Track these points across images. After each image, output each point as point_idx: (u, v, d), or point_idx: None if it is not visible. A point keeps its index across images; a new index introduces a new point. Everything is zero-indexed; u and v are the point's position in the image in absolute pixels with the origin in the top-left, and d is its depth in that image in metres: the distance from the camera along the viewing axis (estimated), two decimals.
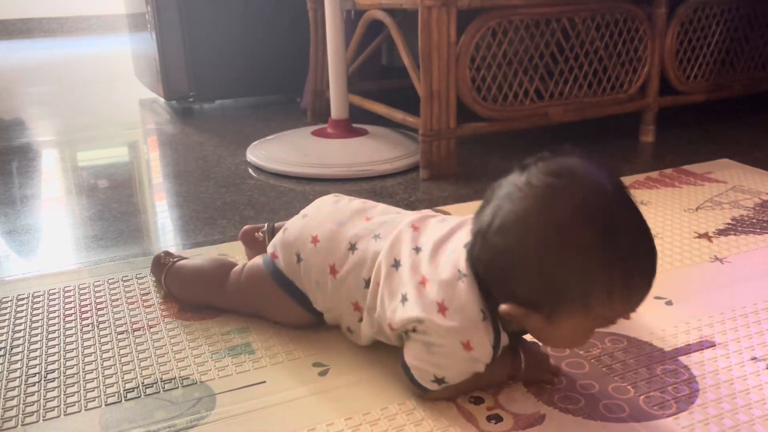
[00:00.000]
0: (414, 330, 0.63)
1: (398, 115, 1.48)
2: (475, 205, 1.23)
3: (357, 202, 0.77)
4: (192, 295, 0.84)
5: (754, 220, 1.09)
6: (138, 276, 0.94)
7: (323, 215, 0.75)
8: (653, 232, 0.58)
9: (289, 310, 0.76)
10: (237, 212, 1.21)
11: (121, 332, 0.79)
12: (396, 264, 0.66)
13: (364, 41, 1.72)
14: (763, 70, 1.72)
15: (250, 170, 1.48)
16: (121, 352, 0.75)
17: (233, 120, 2.03)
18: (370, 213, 0.74)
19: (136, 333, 0.79)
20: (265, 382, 0.69)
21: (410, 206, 1.21)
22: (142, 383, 0.70)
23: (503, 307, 0.58)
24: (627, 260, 0.54)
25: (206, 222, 1.17)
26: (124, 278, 0.93)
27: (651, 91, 1.55)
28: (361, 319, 0.70)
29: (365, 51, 1.78)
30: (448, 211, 1.17)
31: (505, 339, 0.63)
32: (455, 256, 0.63)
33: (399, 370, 0.66)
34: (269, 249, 0.78)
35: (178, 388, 0.69)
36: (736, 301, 0.83)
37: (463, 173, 1.40)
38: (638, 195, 1.21)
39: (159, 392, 0.68)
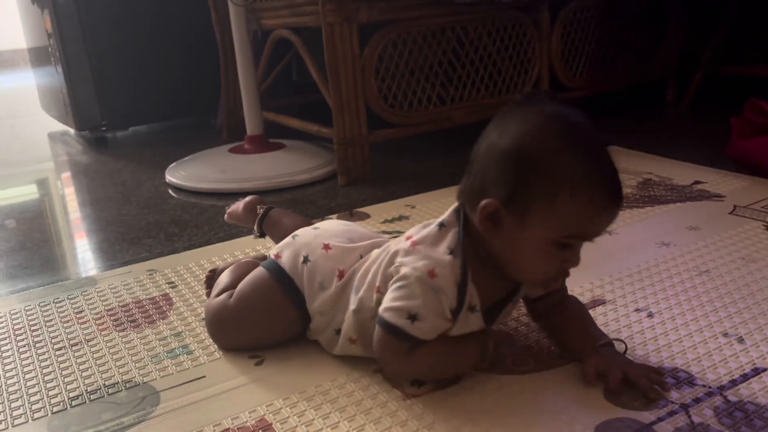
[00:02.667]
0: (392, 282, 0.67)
1: (313, 128, 1.55)
2: (392, 204, 1.30)
3: (367, 230, 0.83)
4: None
5: (637, 196, 1.22)
6: (70, 297, 0.96)
7: (336, 230, 0.79)
8: None
9: (280, 312, 0.76)
10: (161, 230, 1.25)
11: (59, 348, 0.82)
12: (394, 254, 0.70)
13: (274, 59, 1.79)
14: (641, 65, 1.89)
15: (170, 191, 1.51)
16: (62, 365, 0.78)
17: (149, 145, 2.05)
18: (380, 242, 0.77)
19: (74, 348, 0.82)
20: (204, 377, 0.74)
21: (331, 211, 1.28)
22: (86, 390, 0.73)
23: (483, 202, 0.63)
24: (592, 168, 0.63)
25: (132, 242, 1.20)
26: (55, 300, 0.96)
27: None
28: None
29: (276, 69, 1.85)
30: (368, 212, 1.25)
31: (473, 295, 0.66)
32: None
33: (330, 357, 0.74)
34: (273, 251, 0.80)
35: (121, 390, 0.73)
36: (622, 264, 0.95)
37: (378, 176, 1.48)
38: None
39: (104, 396, 0.72)
